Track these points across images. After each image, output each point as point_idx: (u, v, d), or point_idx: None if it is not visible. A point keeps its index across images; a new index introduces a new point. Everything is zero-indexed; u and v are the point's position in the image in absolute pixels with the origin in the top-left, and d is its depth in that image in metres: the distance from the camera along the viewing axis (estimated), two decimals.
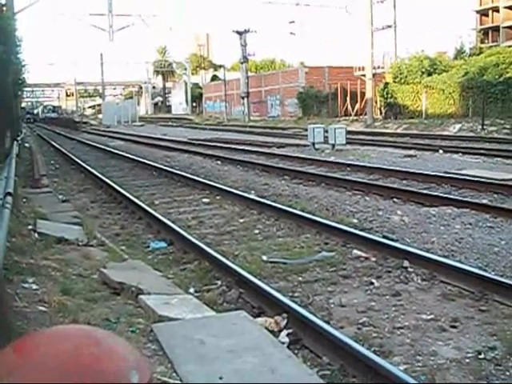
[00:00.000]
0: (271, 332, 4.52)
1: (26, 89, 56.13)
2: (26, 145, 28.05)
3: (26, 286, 5.31)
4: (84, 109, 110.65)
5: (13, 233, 6.82)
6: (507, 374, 3.91)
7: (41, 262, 6.19)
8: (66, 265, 6.32)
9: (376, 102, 41.10)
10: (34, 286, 5.31)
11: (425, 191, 10.88)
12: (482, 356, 4.17)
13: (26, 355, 1.32)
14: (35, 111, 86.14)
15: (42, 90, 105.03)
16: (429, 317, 4.97)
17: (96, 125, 61.45)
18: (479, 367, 4.02)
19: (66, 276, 5.90)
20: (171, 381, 3.54)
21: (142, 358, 1.45)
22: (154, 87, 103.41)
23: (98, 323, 4.37)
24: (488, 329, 4.66)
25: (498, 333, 4.55)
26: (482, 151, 18.81)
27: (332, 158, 17.28)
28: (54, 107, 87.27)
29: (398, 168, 14.21)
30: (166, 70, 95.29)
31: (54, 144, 29.64)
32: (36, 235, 7.60)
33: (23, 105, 69.52)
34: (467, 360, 4.14)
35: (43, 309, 4.67)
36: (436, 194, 10.57)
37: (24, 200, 10.87)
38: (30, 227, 8.01)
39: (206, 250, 6.93)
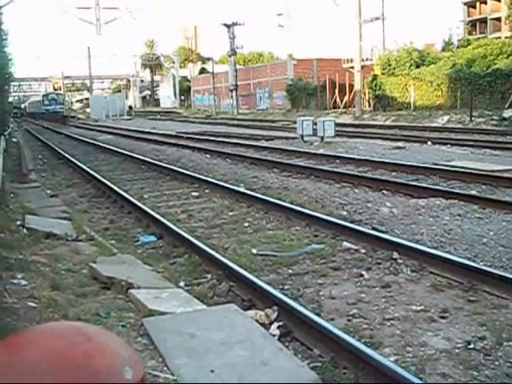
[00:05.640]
0: (262, 325, 4.52)
1: (13, 83, 55.01)
2: (14, 140, 27.88)
3: (15, 281, 5.27)
4: (72, 103, 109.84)
5: (1, 228, 6.79)
6: (496, 363, 3.93)
7: (30, 258, 6.15)
8: (55, 260, 6.29)
9: (365, 94, 41.16)
10: (24, 282, 5.28)
11: (414, 183, 10.91)
12: (471, 346, 4.20)
13: (16, 353, 1.30)
14: (22, 105, 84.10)
15: (29, 84, 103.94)
16: (418, 308, 4.99)
17: (84, 119, 61.02)
18: (469, 357, 4.04)
19: (56, 271, 5.87)
20: (162, 375, 3.54)
21: (135, 354, 1.44)
22: (142, 81, 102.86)
23: (88, 318, 4.36)
24: (477, 319, 4.69)
25: (487, 323, 4.58)
26: (470, 142, 18.89)
27: (321, 151, 17.28)
28: (59, 95, 66.22)
29: (386, 160, 14.24)
30: (153, 64, 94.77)
31: (42, 138, 29.46)
32: (25, 230, 7.55)
33: (10, 99, 64.90)
34: (457, 350, 4.16)
35: (33, 304, 4.65)
36: (425, 185, 10.60)
37: (12, 195, 10.79)
38: (19, 222, 7.96)
39: (195, 244, 6.91)
